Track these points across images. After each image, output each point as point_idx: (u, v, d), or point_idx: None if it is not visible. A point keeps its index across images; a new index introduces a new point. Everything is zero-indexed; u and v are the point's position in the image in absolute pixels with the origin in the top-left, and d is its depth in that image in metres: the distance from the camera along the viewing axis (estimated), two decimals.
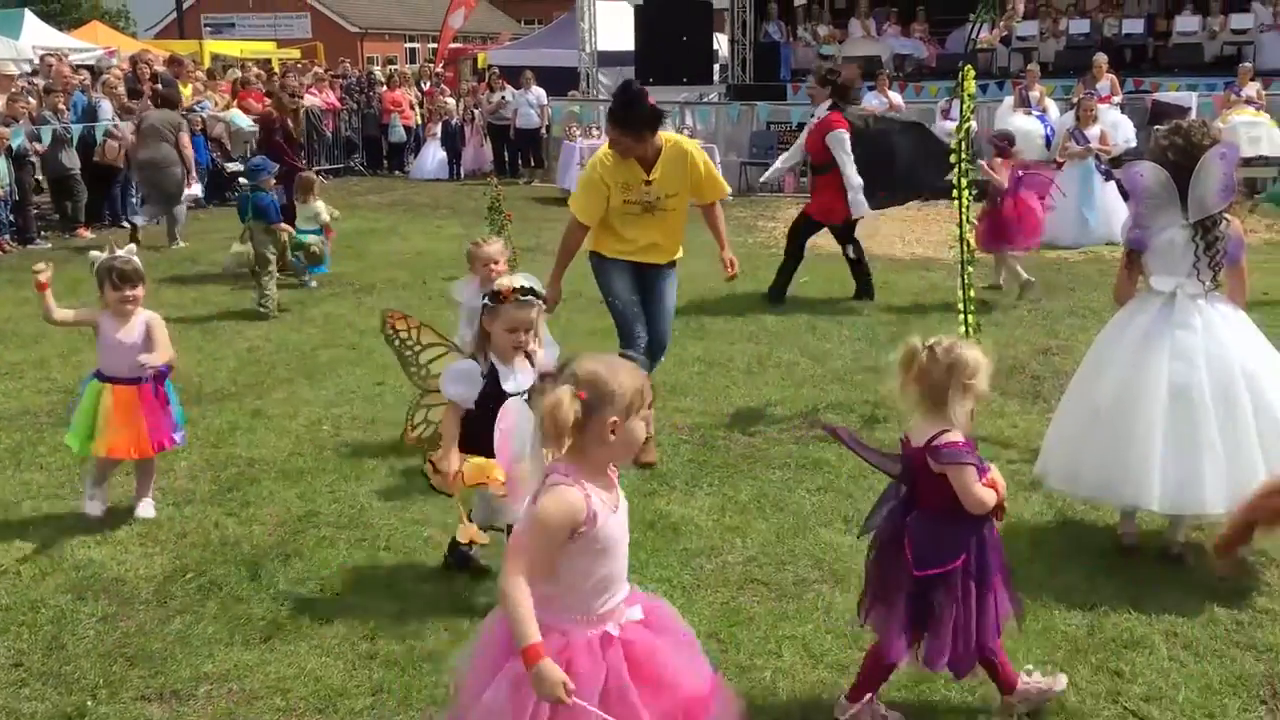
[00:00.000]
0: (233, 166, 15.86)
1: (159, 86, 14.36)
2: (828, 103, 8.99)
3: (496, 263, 5.35)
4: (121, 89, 13.78)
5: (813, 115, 9.57)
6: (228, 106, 16.24)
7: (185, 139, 12.30)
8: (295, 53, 30.54)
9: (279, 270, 9.14)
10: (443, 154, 19.68)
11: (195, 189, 13.49)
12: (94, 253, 4.97)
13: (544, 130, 19.13)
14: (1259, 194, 10.59)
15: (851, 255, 9.22)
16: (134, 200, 13.63)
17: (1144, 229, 4.31)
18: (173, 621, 3.97)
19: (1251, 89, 14.75)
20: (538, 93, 19.13)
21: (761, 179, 11.12)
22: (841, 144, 8.72)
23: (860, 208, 8.82)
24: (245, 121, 16.18)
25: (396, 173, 20.13)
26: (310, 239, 9.76)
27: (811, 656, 3.71)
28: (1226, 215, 4.24)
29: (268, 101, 16.90)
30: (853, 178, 8.69)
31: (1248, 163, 12.51)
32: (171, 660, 3.72)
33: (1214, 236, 4.19)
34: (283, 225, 9.26)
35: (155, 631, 3.90)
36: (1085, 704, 3.44)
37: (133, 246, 5.15)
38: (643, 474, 5.33)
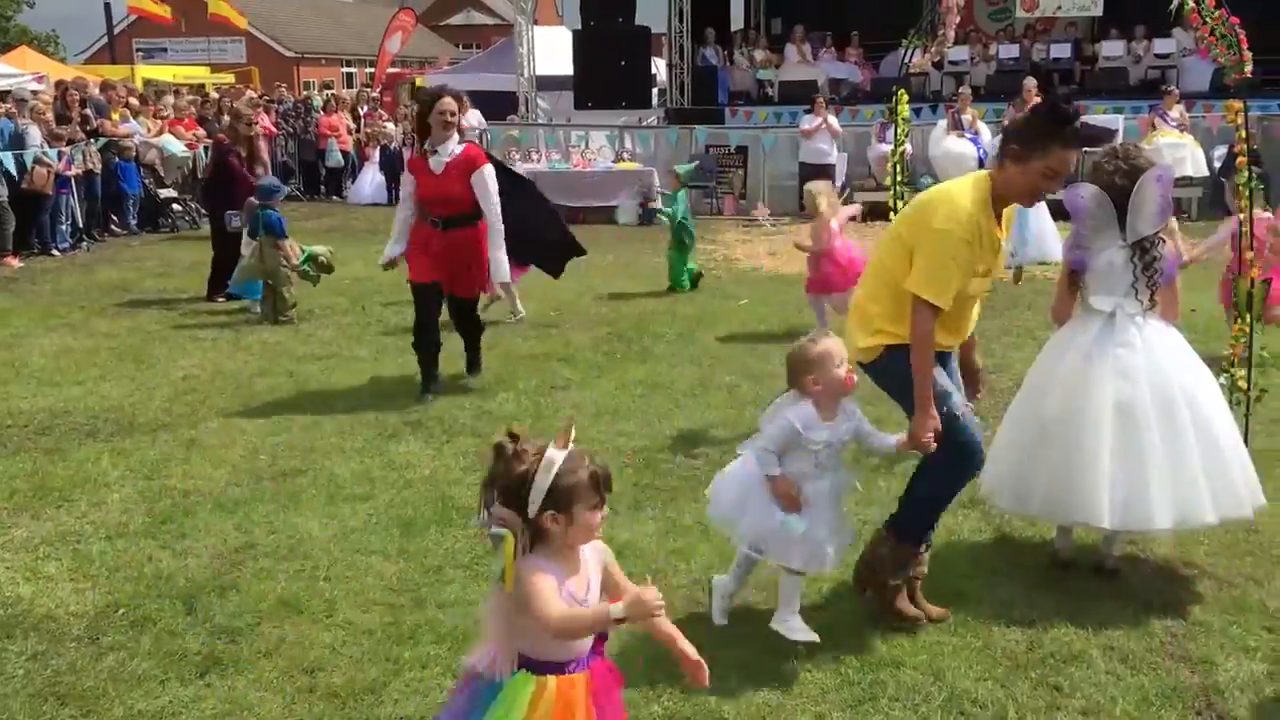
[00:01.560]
0: (165, 193, 15.64)
1: (88, 112, 14.15)
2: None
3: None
4: (50, 115, 13.54)
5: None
6: (160, 132, 16.01)
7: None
8: (229, 77, 30.23)
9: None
10: (381, 178, 19.57)
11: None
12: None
13: None
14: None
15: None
16: (63, 227, 13.38)
17: (1084, 250, 4.40)
18: (105, 658, 3.87)
19: (1175, 111, 15.14)
20: (475, 116, 19.10)
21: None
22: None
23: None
24: (178, 147, 15.97)
25: (334, 198, 19.98)
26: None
27: (756, 678, 3.71)
28: (1163, 236, 4.35)
29: (199, 129, 16.79)
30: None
31: (1174, 183, 12.82)
32: (104, 698, 3.62)
33: (1152, 257, 4.29)
34: (286, 243, 9.47)
35: (87, 669, 3.80)
36: (1025, 719, 3.48)
37: None
38: None
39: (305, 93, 28.97)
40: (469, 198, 6.71)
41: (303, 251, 9.66)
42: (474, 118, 19.09)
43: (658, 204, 16.35)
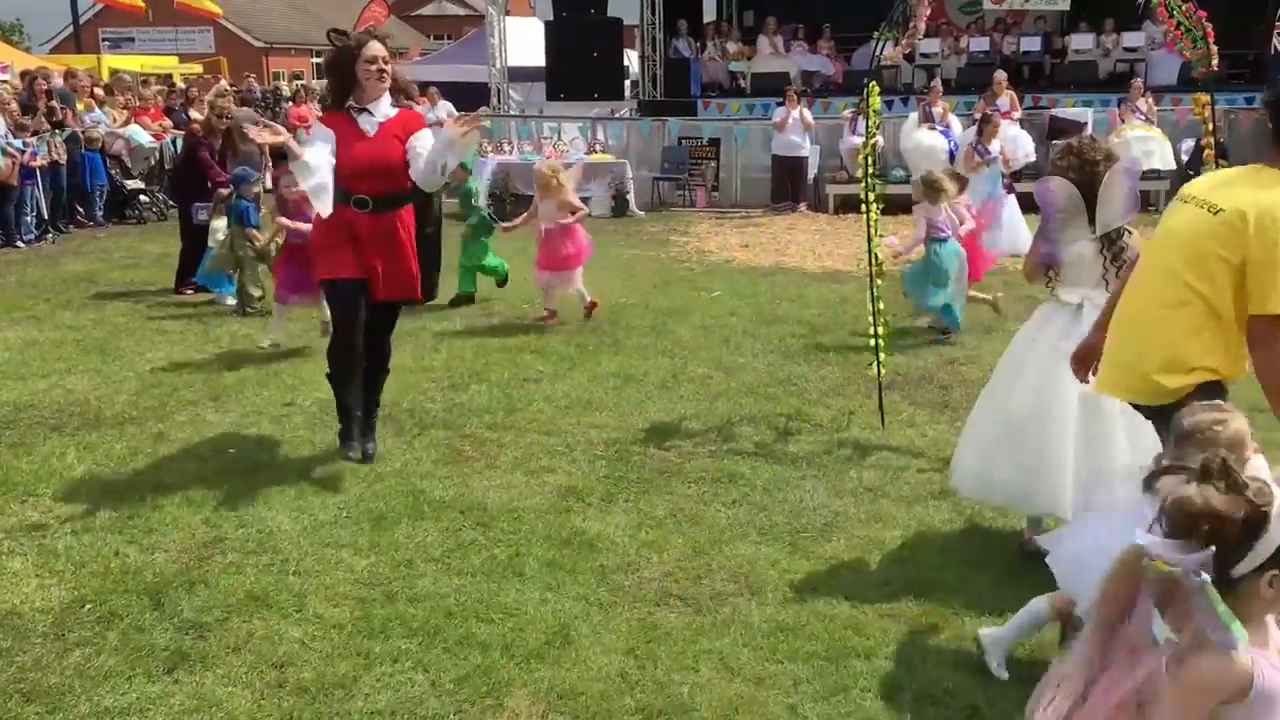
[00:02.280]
0: (132, 184, 15.47)
1: (55, 103, 13.96)
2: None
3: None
4: (14, 105, 13.35)
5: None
6: (127, 123, 15.83)
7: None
8: (198, 67, 29.93)
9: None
10: None
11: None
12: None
13: None
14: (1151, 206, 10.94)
15: None
16: (28, 219, 13.22)
17: (1054, 243, 4.42)
18: (71, 654, 3.83)
19: (1143, 104, 15.25)
20: (446, 107, 19.01)
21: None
22: None
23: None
24: (145, 138, 15.79)
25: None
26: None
27: (729, 670, 3.72)
28: (1129, 228, 4.38)
29: (166, 119, 16.61)
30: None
31: (1141, 176, 12.94)
32: (70, 695, 3.58)
33: (1119, 248, 4.32)
34: (254, 232, 9.31)
35: (52, 665, 3.76)
36: (995, 708, 3.50)
37: None
38: (558, 491, 5.30)
39: (275, 83, 28.70)
40: (406, 170, 5.46)
41: (275, 244, 9.57)
42: (445, 109, 19.03)
43: (630, 196, 16.37)
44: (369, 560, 4.55)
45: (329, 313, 6.03)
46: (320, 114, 5.61)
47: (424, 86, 19.80)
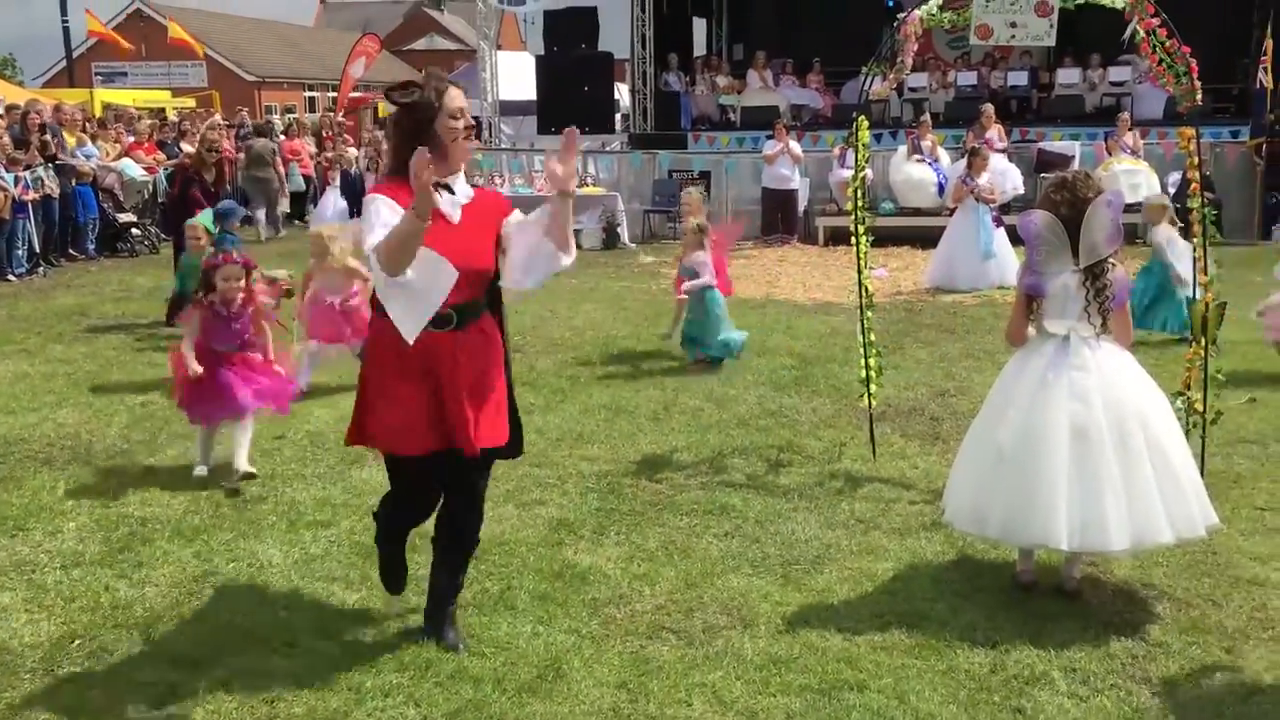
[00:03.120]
0: (125, 217, 15.50)
1: (48, 137, 14.00)
2: None
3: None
4: (7, 139, 13.39)
5: None
6: (119, 156, 15.87)
7: (278, 160, 17.99)
8: (190, 101, 30.03)
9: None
10: (343, 203, 19.47)
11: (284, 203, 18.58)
12: None
13: None
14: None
15: None
16: (19, 252, 13.21)
17: (1039, 274, 4.45)
18: (61, 691, 3.80)
19: (1130, 138, 15.39)
20: None
21: None
22: None
23: None
24: (137, 171, 15.83)
25: (296, 222, 19.85)
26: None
27: (721, 704, 3.71)
28: (1113, 261, 4.41)
29: (159, 153, 16.66)
30: None
31: (1128, 209, 13.04)
32: None
33: (1103, 282, 4.35)
34: None
35: (42, 701, 3.73)
36: None
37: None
38: (550, 523, 5.30)
39: (267, 117, 28.80)
40: (494, 268, 3.90)
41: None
42: None
43: (622, 228, 16.43)
44: (360, 594, 4.54)
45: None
46: (381, 184, 3.85)
47: None
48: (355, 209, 19.09)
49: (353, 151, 20.27)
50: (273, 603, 4.46)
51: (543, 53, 19.89)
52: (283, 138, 20.26)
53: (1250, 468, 6.01)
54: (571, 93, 18.39)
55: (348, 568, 4.78)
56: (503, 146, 19.63)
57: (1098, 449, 4.21)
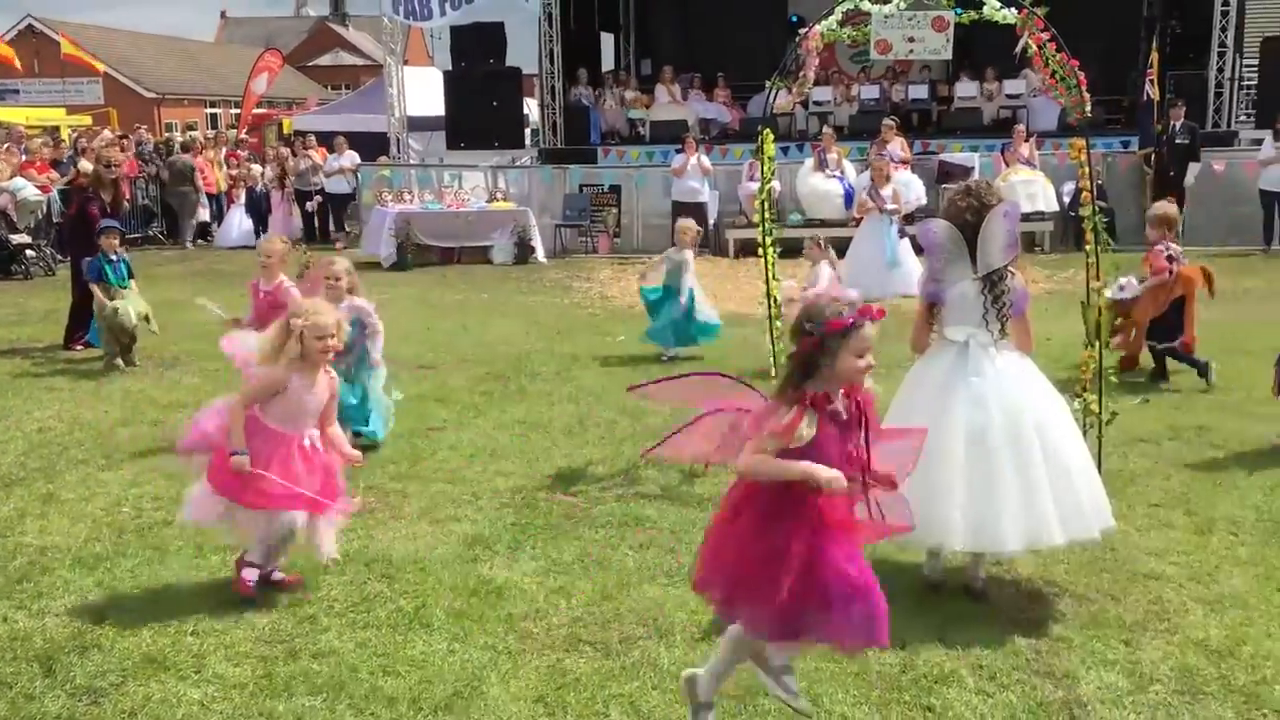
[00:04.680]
0: (18, 239, 15.03)
1: None
2: None
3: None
4: None
5: None
6: (13, 176, 15.39)
7: (198, 177, 18.57)
8: (86, 119, 29.26)
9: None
10: (249, 223, 19.18)
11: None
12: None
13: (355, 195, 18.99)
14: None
15: None
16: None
17: (938, 282, 4.56)
18: None
19: (1026, 149, 15.84)
20: (351, 156, 18.95)
21: None
22: None
23: None
24: (31, 192, 15.36)
25: (200, 241, 19.46)
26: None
27: (639, 714, 3.72)
28: (1011, 269, 4.53)
29: (53, 172, 16.19)
30: None
31: (1025, 218, 13.43)
32: None
33: (1001, 290, 4.46)
34: (97, 289, 9.00)
35: None
36: None
37: None
38: (465, 540, 5.27)
39: (167, 134, 28.18)
40: None
41: (109, 305, 9.03)
42: (350, 159, 18.95)
43: (535, 243, 16.43)
44: (270, 617, 4.46)
45: None
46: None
47: (332, 136, 19.77)
48: (261, 227, 18.83)
49: (256, 168, 19.98)
50: (179, 628, 4.36)
51: (450, 68, 19.80)
52: (188, 155, 19.84)
53: (1145, 465, 6.22)
54: (480, 108, 18.34)
55: (257, 590, 4.69)
56: (411, 162, 19.48)
57: (993, 453, 4.32)
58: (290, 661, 4.08)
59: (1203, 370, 7.86)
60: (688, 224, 9.64)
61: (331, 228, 19.21)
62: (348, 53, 58.30)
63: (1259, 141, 16.12)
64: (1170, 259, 7.89)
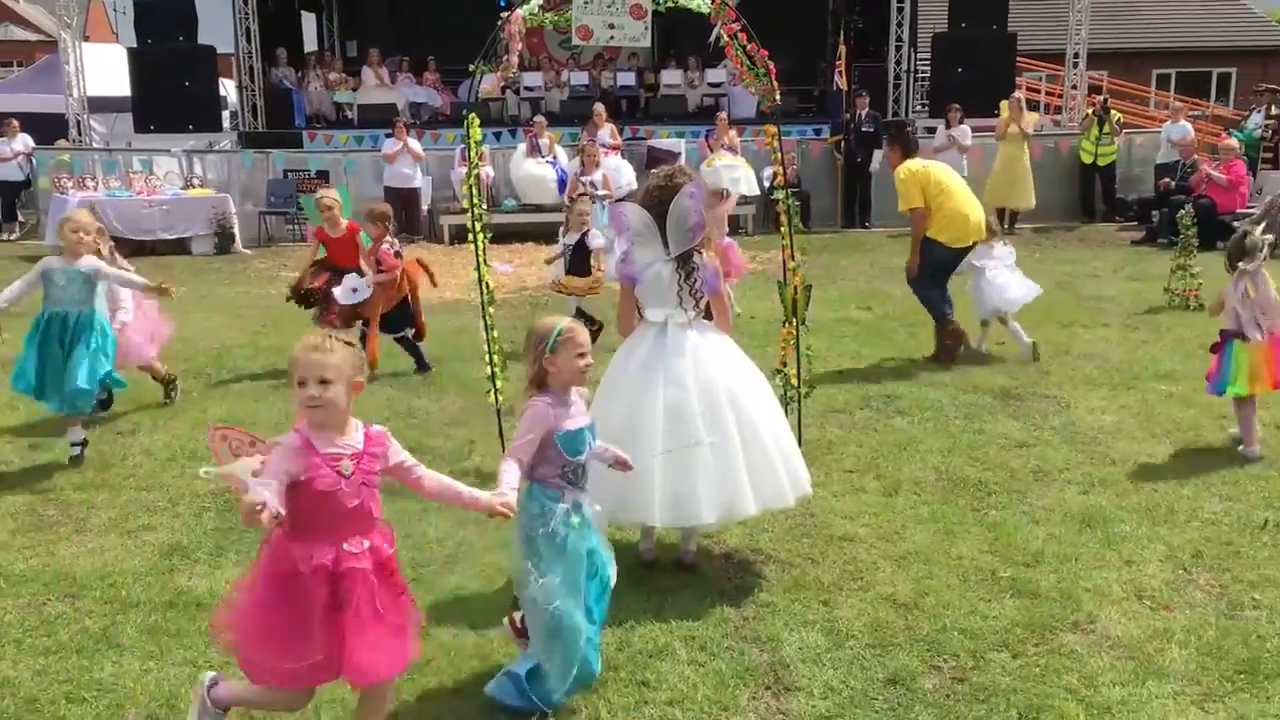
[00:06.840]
0: None
1: None
2: None
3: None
4: None
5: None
6: None
7: None
8: None
9: None
10: None
11: None
12: None
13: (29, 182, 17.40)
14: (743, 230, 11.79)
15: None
16: None
17: (633, 264, 4.65)
18: None
19: (728, 136, 16.49)
20: (24, 139, 17.34)
21: None
22: None
23: None
24: None
25: None
26: None
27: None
28: (700, 250, 4.66)
29: None
30: None
31: (744, 202, 13.97)
32: None
33: (690, 268, 4.60)
34: None
35: None
36: (616, 718, 3.62)
37: None
38: (160, 550, 4.93)
39: None
40: None
41: None
42: (23, 142, 17.34)
43: (235, 231, 15.60)
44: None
45: None
46: None
47: (1, 118, 17.95)
48: None
49: None
50: None
51: (136, 45, 18.43)
52: None
53: (840, 435, 6.61)
54: (171, 88, 17.21)
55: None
56: (95, 146, 18.06)
57: (690, 429, 4.45)
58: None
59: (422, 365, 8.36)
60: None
61: (0, 217, 17.54)
62: (18, 26, 53.34)
63: (933, 130, 17.49)
64: (398, 254, 8.35)
